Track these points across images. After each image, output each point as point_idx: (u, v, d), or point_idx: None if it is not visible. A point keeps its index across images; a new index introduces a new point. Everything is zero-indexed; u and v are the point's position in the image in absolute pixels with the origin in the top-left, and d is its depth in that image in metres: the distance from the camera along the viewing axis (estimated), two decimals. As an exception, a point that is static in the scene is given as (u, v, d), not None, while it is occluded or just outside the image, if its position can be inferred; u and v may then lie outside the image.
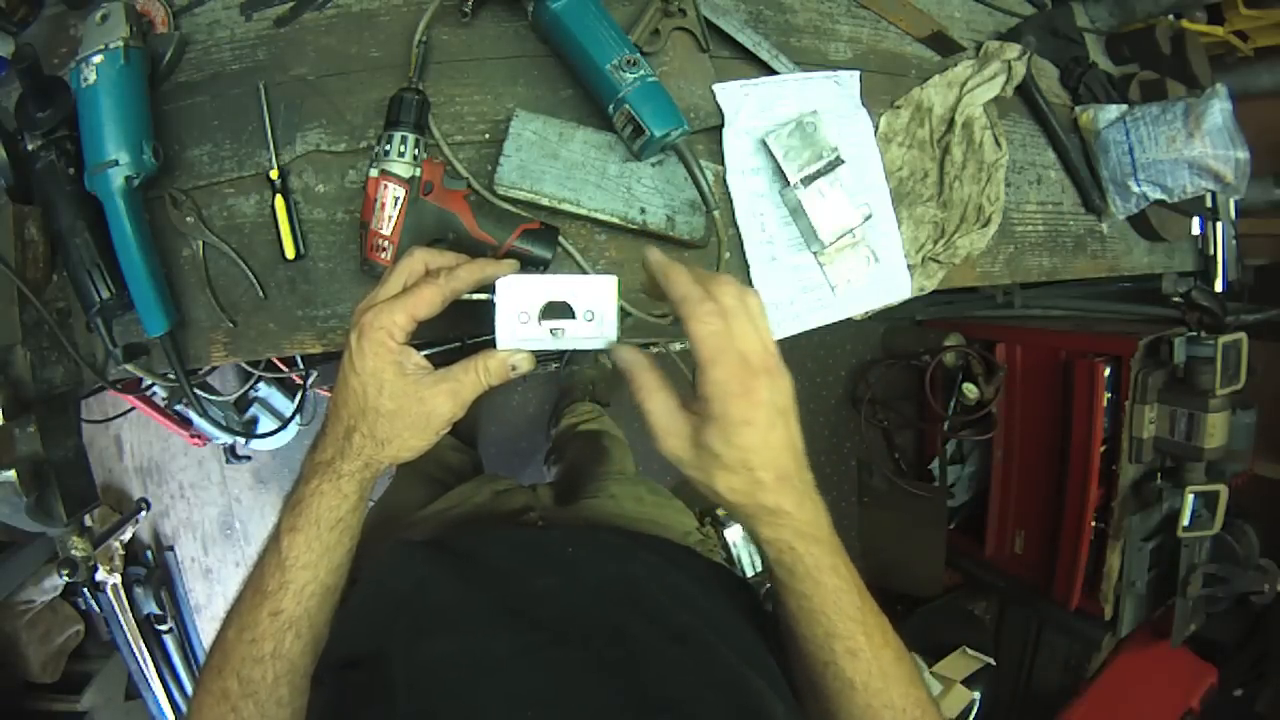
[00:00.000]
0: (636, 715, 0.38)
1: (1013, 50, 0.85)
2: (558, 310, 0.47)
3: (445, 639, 0.43)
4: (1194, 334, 1.21)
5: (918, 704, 0.48)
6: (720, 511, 0.91)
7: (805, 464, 0.45)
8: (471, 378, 0.46)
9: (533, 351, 0.47)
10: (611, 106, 0.63)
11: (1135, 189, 0.92)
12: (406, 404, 0.45)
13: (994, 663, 1.56)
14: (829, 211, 0.72)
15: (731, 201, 0.73)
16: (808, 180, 0.71)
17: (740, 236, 0.73)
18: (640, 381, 0.45)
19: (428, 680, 0.40)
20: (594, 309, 0.47)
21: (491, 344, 0.47)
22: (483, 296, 0.48)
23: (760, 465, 0.42)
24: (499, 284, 0.46)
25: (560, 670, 0.40)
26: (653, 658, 0.41)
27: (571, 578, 0.49)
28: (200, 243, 0.64)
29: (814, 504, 0.45)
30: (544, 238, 0.63)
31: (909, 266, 0.81)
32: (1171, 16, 1.05)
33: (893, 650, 0.47)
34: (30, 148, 0.59)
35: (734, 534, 0.94)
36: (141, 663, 1.58)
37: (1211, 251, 1.09)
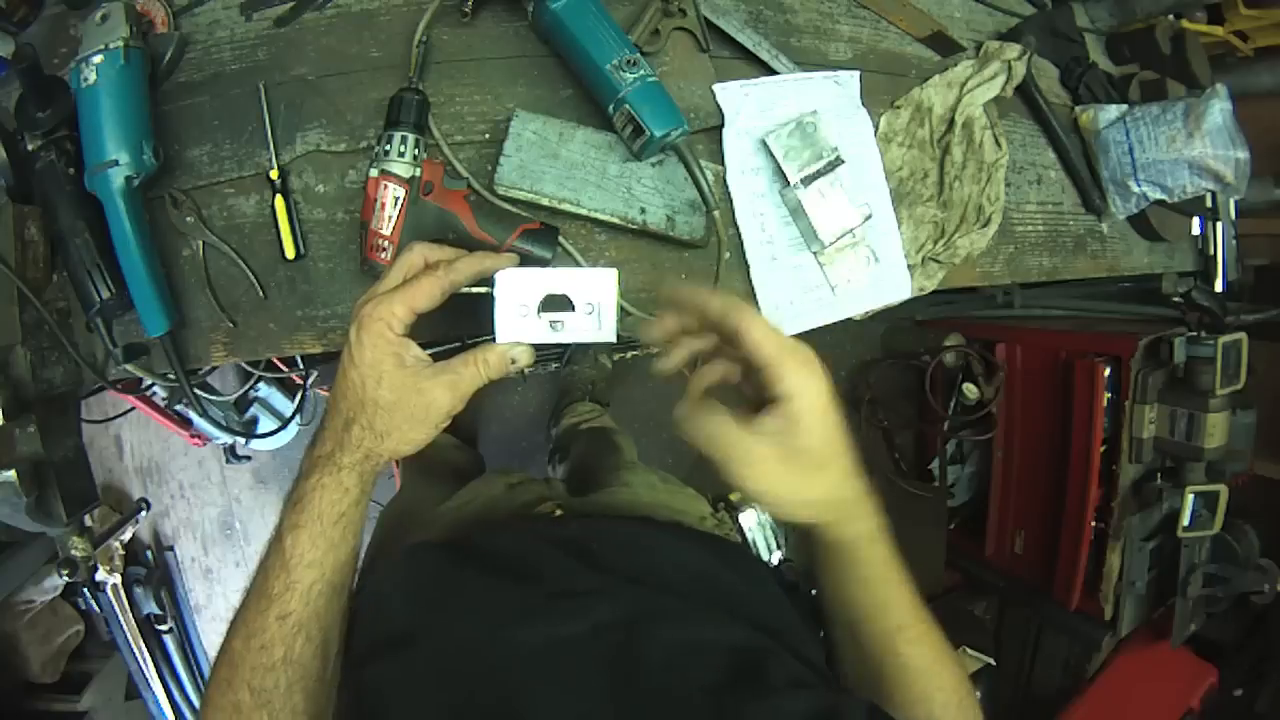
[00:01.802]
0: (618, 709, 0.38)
1: (1013, 50, 0.85)
2: (557, 303, 0.47)
3: (475, 632, 0.42)
4: (1194, 334, 1.21)
5: (963, 683, 0.49)
6: (734, 496, 0.90)
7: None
8: (471, 370, 0.46)
9: (532, 345, 0.47)
10: (611, 106, 0.62)
11: (1135, 189, 0.92)
12: (405, 396, 0.45)
13: (994, 663, 1.56)
14: (829, 211, 0.72)
15: (731, 201, 0.73)
16: (808, 180, 0.71)
17: (740, 236, 0.73)
18: (723, 441, 0.41)
19: (462, 671, 0.40)
20: (593, 302, 0.47)
21: (491, 342, 0.47)
22: (482, 290, 0.48)
23: (844, 450, 0.42)
24: (498, 277, 0.46)
25: (576, 664, 0.40)
26: (653, 644, 0.41)
27: (592, 570, 0.49)
28: (200, 243, 0.64)
29: (869, 491, 0.45)
30: (544, 238, 0.63)
31: (909, 266, 0.81)
32: (1171, 16, 1.05)
33: (939, 633, 0.49)
34: (30, 148, 0.59)
35: (748, 519, 0.93)
36: (141, 663, 1.58)
37: (1211, 251, 1.09)
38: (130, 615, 1.57)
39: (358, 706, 0.42)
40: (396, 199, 0.59)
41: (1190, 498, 1.20)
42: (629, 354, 1.80)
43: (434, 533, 0.70)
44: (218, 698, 0.43)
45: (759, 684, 0.38)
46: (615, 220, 0.67)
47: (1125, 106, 0.93)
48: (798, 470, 0.41)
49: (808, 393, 0.41)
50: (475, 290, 0.48)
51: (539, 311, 0.46)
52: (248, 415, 1.45)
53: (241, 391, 1.36)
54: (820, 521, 0.44)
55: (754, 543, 0.94)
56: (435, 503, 0.77)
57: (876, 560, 0.45)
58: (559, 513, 0.69)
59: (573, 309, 0.47)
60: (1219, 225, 1.07)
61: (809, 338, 0.75)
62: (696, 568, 0.51)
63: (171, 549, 1.79)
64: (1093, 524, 1.43)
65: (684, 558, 0.52)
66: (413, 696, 0.40)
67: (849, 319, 0.79)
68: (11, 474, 0.55)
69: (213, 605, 1.80)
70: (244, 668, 0.43)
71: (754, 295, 0.74)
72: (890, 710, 0.47)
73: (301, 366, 1.14)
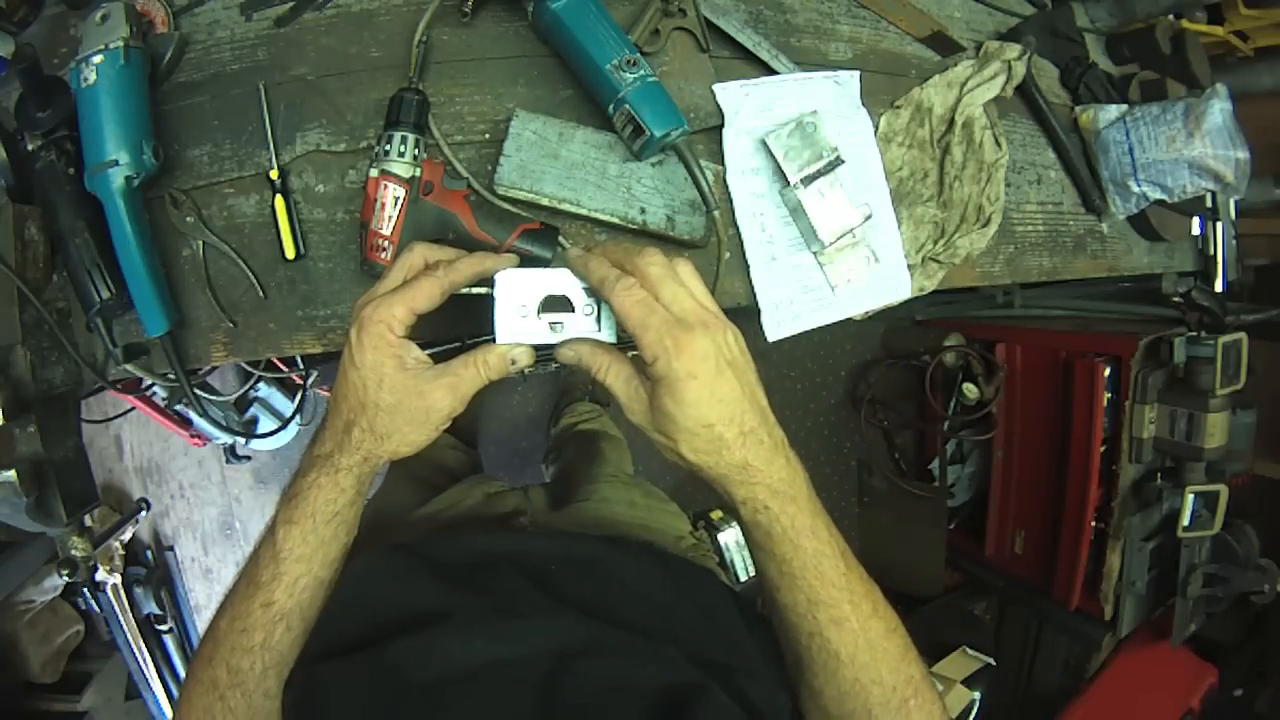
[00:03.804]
0: None
1: (1013, 50, 0.85)
2: (557, 304, 0.47)
3: (420, 642, 0.42)
4: (1194, 334, 1.21)
5: (909, 682, 0.46)
6: (714, 515, 0.90)
7: (771, 420, 0.44)
8: (471, 372, 0.46)
9: (532, 346, 0.47)
10: (611, 106, 0.62)
11: (1135, 189, 0.92)
12: (406, 398, 0.45)
13: (994, 663, 1.55)
14: (829, 211, 0.72)
15: (731, 201, 0.73)
16: (808, 180, 0.71)
17: (740, 236, 0.73)
18: (596, 363, 0.46)
19: (394, 684, 0.40)
20: (593, 302, 0.47)
21: (491, 343, 0.47)
22: (482, 290, 0.48)
23: (718, 420, 0.41)
24: (498, 278, 0.46)
25: (503, 691, 0.40)
26: (582, 678, 0.41)
27: (545, 593, 0.48)
28: (200, 243, 0.64)
29: (787, 461, 0.44)
30: (544, 238, 0.63)
31: (909, 266, 0.81)
32: (1171, 16, 1.05)
33: (883, 622, 0.46)
34: (30, 148, 0.59)
35: (727, 538, 0.92)
36: (141, 663, 1.58)
37: (1211, 251, 1.09)
38: (130, 615, 1.58)
39: (300, 704, 0.43)
40: (396, 199, 0.59)
41: (1190, 498, 1.20)
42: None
43: (407, 538, 0.70)
44: (199, 671, 0.45)
45: None
46: (615, 220, 0.67)
47: (1125, 106, 0.93)
48: (664, 426, 0.42)
49: (667, 365, 0.40)
50: (475, 291, 0.48)
51: (539, 312, 0.46)
52: (248, 415, 1.45)
53: (241, 391, 1.36)
54: (702, 476, 0.44)
55: (732, 562, 0.93)
56: (412, 507, 0.77)
57: (777, 529, 0.43)
58: (529, 529, 0.69)
59: (572, 310, 0.47)
60: (1219, 225, 1.07)
61: (808, 337, 0.76)
62: (654, 598, 0.50)
63: (171, 549, 1.79)
64: (1093, 524, 1.43)
65: (643, 586, 0.51)
66: (347, 703, 0.40)
67: (849, 319, 0.79)
68: (11, 474, 0.55)
69: (213, 605, 1.77)
70: (224, 647, 0.45)
71: (754, 295, 0.74)
72: (824, 704, 0.46)
73: (301, 366, 1.14)
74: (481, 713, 0.39)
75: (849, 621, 0.44)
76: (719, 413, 0.41)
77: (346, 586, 0.49)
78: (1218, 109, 0.86)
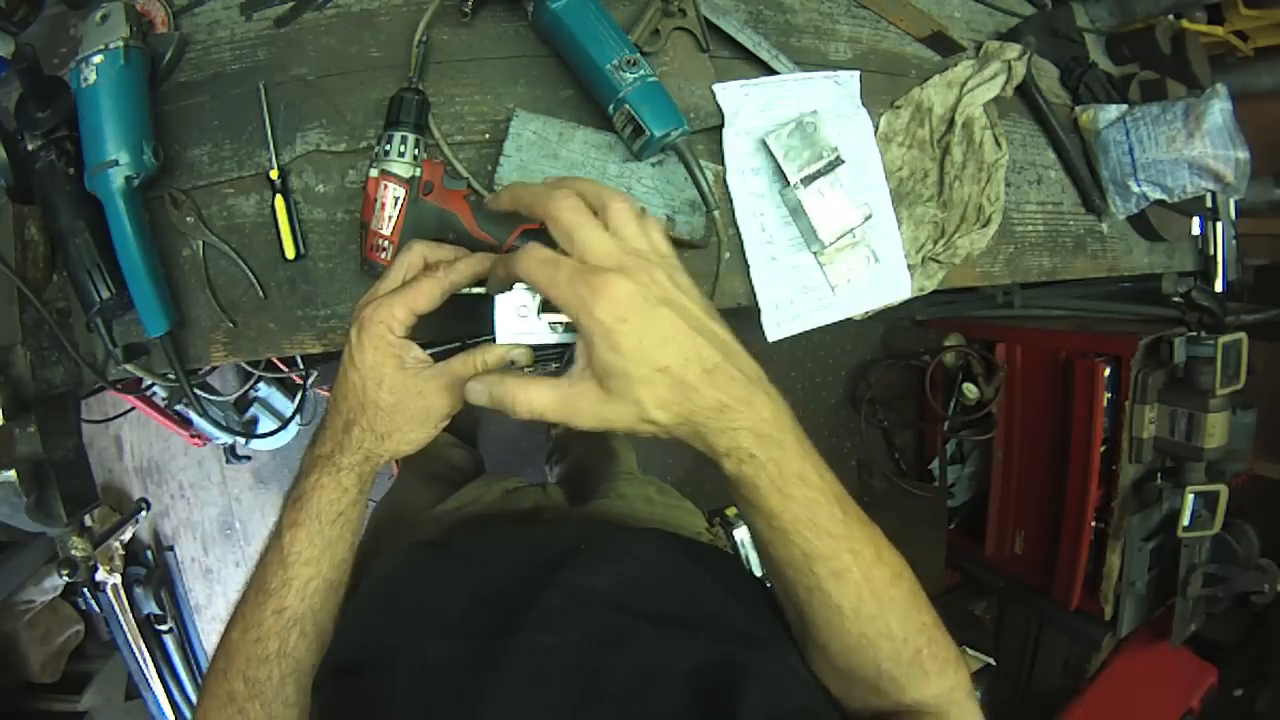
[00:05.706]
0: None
1: (1013, 50, 0.85)
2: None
3: (452, 644, 0.42)
4: (1194, 334, 1.21)
5: (921, 630, 0.43)
6: (729, 512, 0.90)
7: (739, 352, 0.40)
8: (470, 371, 0.46)
9: (532, 346, 0.47)
10: (611, 106, 0.62)
11: (1135, 189, 0.92)
12: (405, 398, 0.45)
13: (994, 663, 1.56)
14: (829, 211, 0.72)
15: (731, 201, 0.73)
16: (808, 180, 0.71)
17: (740, 236, 0.73)
18: (504, 394, 0.40)
19: (433, 685, 0.40)
20: None
21: (491, 343, 0.47)
22: (482, 290, 0.48)
23: (671, 361, 0.37)
24: None
25: (542, 682, 0.40)
26: (620, 666, 0.40)
27: (577, 581, 0.48)
28: (200, 243, 0.64)
29: (769, 399, 0.39)
30: (544, 238, 0.63)
31: (909, 266, 0.81)
32: (1171, 16, 1.05)
33: (887, 568, 0.42)
34: (30, 148, 0.59)
35: (743, 534, 0.93)
36: (141, 663, 1.58)
37: (1211, 251, 1.09)
38: (130, 615, 1.58)
39: (335, 714, 0.42)
40: (396, 199, 0.59)
41: (1190, 498, 1.20)
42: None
43: (429, 535, 0.70)
44: (214, 686, 0.45)
45: (725, 716, 0.35)
46: (615, 220, 0.67)
47: (1125, 106, 0.93)
48: (617, 388, 0.37)
49: (589, 317, 0.36)
50: (475, 291, 0.48)
51: (539, 312, 0.46)
52: (248, 415, 1.45)
53: (241, 391, 1.37)
54: (681, 436, 0.39)
55: (748, 558, 0.94)
56: (430, 504, 0.77)
57: (763, 480, 0.39)
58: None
59: None
60: (1219, 225, 1.07)
61: (808, 337, 0.76)
62: (686, 584, 0.50)
63: (171, 549, 1.79)
64: (1093, 524, 1.43)
65: (673, 572, 0.51)
66: (387, 706, 0.40)
67: (849, 319, 0.79)
68: (11, 474, 0.55)
69: (213, 605, 1.80)
70: (239, 658, 0.44)
71: (754, 295, 0.74)
72: (830, 657, 0.43)
73: (301, 366, 1.14)
74: (526, 698, 0.39)
75: (850, 572, 0.41)
76: (668, 353, 0.37)
77: (371, 587, 0.49)
78: (1218, 109, 0.86)
